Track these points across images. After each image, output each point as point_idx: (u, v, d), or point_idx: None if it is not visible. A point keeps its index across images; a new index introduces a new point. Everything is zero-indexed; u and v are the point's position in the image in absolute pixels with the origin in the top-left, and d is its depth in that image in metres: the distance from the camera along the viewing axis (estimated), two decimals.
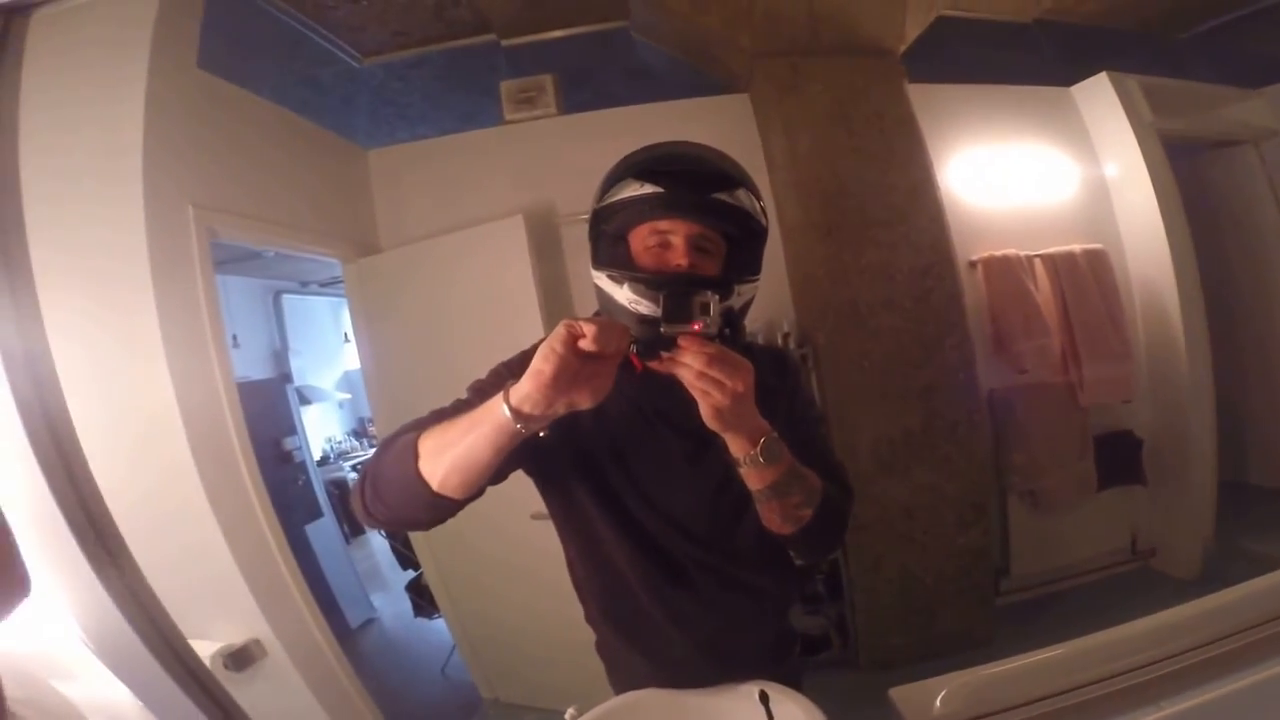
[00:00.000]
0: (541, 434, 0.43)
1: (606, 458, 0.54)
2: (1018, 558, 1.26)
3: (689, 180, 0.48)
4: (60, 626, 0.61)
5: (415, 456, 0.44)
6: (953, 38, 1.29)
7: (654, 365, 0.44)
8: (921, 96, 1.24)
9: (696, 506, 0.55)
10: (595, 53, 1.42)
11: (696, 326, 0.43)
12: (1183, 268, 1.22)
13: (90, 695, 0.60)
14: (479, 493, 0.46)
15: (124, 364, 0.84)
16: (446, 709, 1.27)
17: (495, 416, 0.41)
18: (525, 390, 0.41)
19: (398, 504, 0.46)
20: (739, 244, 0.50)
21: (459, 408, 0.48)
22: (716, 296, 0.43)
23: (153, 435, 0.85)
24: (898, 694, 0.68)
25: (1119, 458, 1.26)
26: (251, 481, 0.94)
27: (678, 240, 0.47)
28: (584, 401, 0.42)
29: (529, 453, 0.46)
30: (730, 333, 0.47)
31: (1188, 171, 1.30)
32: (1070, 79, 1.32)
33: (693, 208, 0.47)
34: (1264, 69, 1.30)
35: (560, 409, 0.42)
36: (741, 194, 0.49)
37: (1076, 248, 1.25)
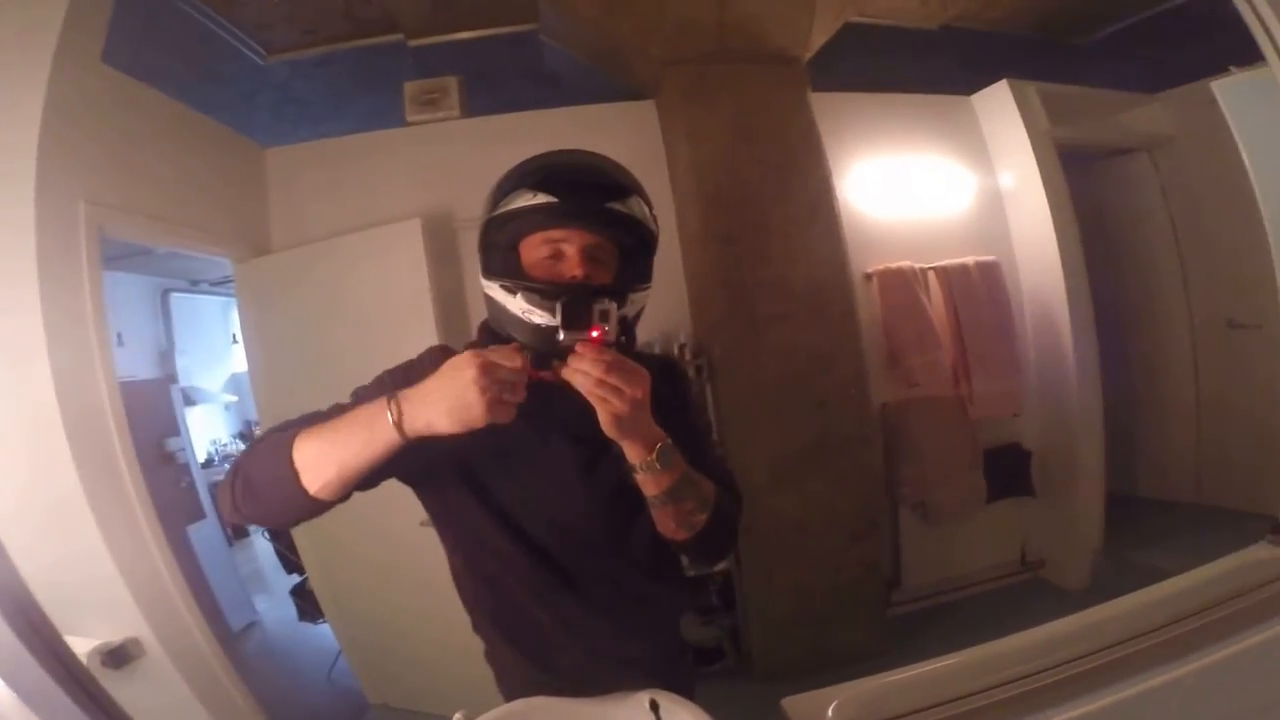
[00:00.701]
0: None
1: (494, 467, 0.52)
2: (909, 569, 1.25)
3: (583, 189, 0.47)
4: None
5: (290, 456, 0.43)
6: (859, 45, 1.27)
7: (549, 376, 0.44)
8: (824, 105, 1.22)
9: (588, 514, 0.54)
10: (503, 56, 1.37)
11: (596, 334, 0.43)
12: (1073, 280, 1.22)
13: None
14: (349, 496, 0.45)
15: (4, 360, 0.81)
16: (333, 714, 1.23)
17: (382, 429, 0.41)
18: (430, 418, 0.40)
19: (268, 501, 0.44)
20: (631, 252, 0.49)
21: (335, 413, 0.46)
22: (614, 304, 0.43)
23: (33, 432, 0.82)
24: (790, 704, 0.67)
25: (1009, 470, 1.26)
26: (132, 481, 0.90)
27: (572, 250, 0.46)
28: (479, 424, 0.41)
29: (405, 462, 0.44)
30: (626, 340, 0.47)
31: (1083, 180, 1.31)
32: (975, 86, 1.31)
33: (587, 217, 0.46)
34: (1163, 73, 1.30)
35: (457, 431, 0.41)
36: (634, 202, 0.48)
37: (970, 260, 1.24)
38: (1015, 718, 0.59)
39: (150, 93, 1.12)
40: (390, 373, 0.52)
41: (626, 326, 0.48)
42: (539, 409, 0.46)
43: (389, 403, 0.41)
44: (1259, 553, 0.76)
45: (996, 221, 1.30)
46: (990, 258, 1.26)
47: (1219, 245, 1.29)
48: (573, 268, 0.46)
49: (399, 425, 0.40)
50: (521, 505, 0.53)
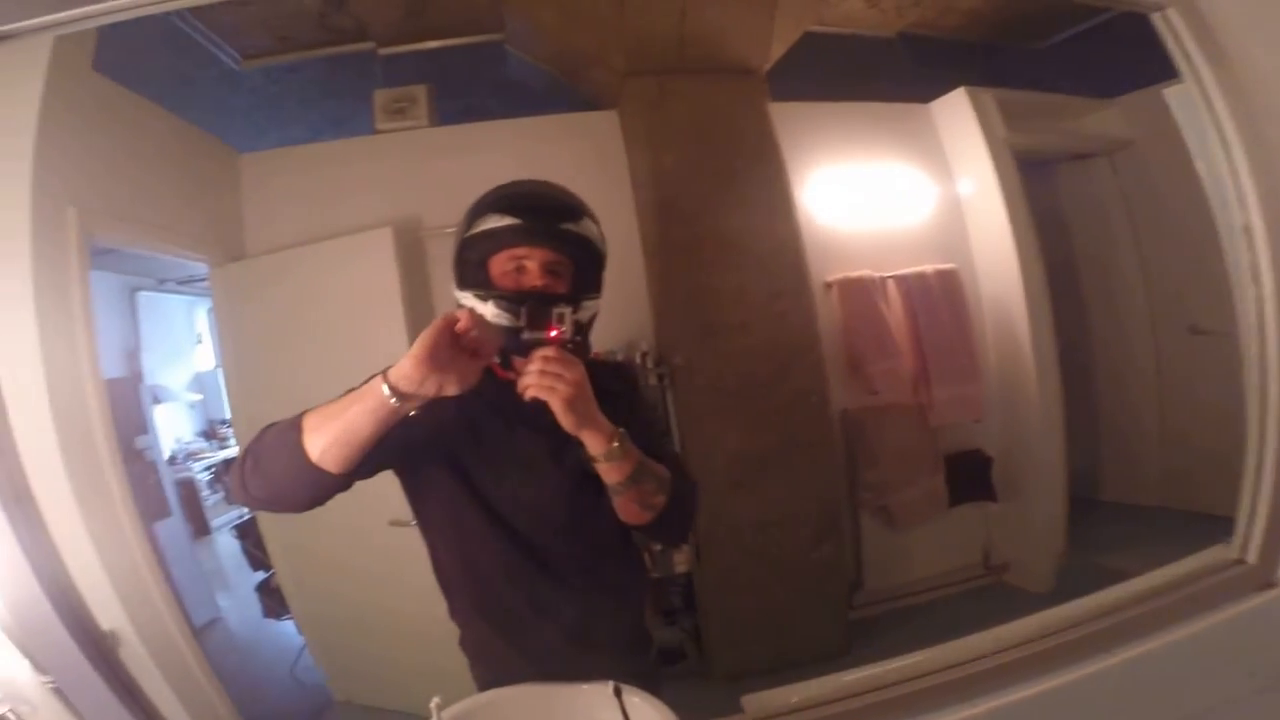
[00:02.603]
0: (412, 413, 0.47)
1: (472, 456, 0.57)
2: (871, 572, 1.22)
3: (542, 213, 0.53)
4: None
5: (299, 431, 0.47)
6: (817, 54, 1.23)
7: (513, 376, 0.50)
8: (783, 115, 1.18)
9: (557, 500, 0.58)
10: (470, 65, 1.33)
11: (554, 333, 0.49)
12: (1032, 286, 1.18)
13: None
14: (351, 478, 0.49)
15: (8, 363, 0.78)
16: (297, 709, 1.20)
17: (374, 392, 0.45)
18: (403, 367, 0.45)
19: (279, 479, 0.48)
20: (583, 266, 0.55)
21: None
22: (569, 309, 0.50)
23: (25, 428, 0.78)
24: (749, 701, 0.66)
25: (970, 475, 1.22)
26: (114, 477, 0.90)
27: (533, 265, 0.53)
28: (451, 387, 0.46)
29: (399, 449, 0.50)
30: (580, 341, 0.53)
31: (1042, 186, 1.26)
32: (932, 94, 1.26)
33: (546, 236, 0.53)
34: (1119, 78, 1.25)
35: (430, 388, 0.45)
36: (585, 224, 0.55)
37: (929, 268, 1.20)
38: (956, 703, 0.60)
39: (137, 99, 1.10)
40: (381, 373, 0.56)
41: (580, 330, 0.53)
42: (510, 406, 0.51)
43: (379, 376, 0.46)
44: (1215, 554, 0.74)
45: (955, 229, 1.26)
46: (949, 265, 1.22)
47: (1181, 250, 1.25)
48: (534, 279, 0.52)
49: (386, 379, 0.45)
50: (495, 489, 0.57)
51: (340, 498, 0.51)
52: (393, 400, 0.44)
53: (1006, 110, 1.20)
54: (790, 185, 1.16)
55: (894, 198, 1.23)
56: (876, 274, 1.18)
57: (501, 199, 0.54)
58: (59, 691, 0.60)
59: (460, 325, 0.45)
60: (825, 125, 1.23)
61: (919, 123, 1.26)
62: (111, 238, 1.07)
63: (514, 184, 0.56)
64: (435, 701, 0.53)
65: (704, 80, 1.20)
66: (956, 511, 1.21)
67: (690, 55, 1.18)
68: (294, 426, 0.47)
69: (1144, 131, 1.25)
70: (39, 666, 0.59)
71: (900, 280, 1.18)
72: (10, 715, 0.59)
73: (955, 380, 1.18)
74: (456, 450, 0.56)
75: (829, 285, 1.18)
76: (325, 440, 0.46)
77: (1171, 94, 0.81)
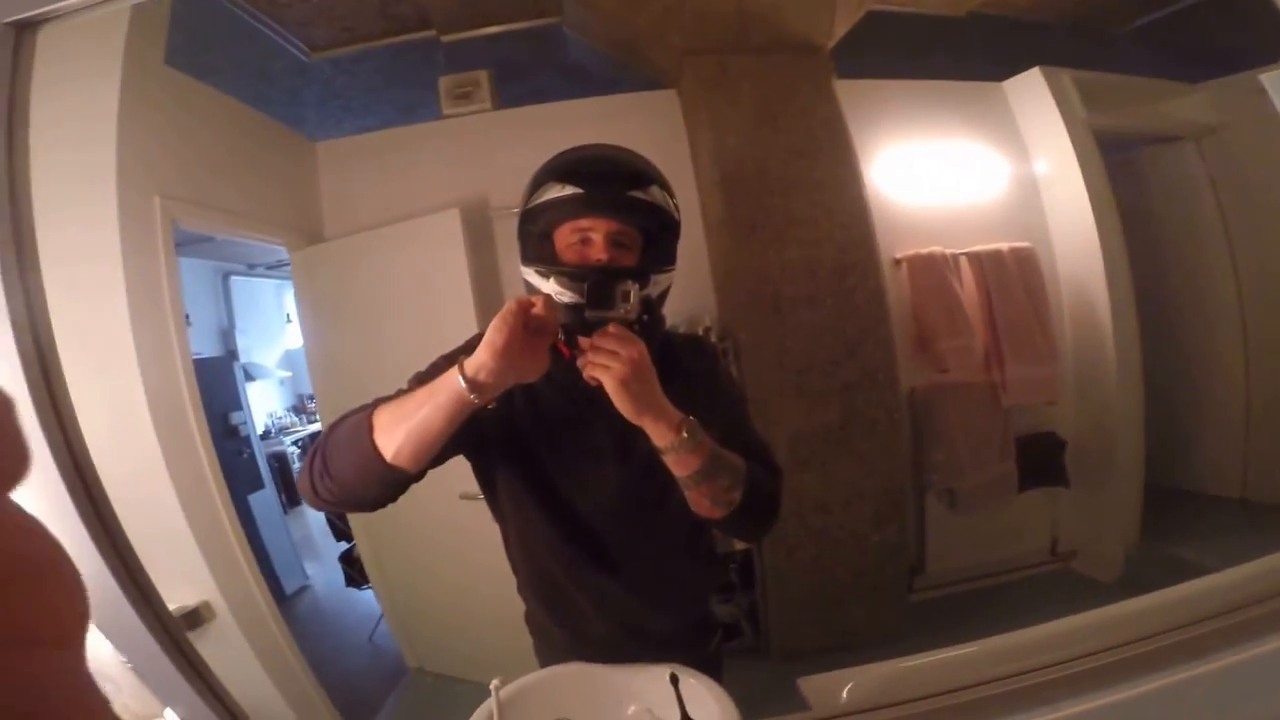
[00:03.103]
0: (490, 406, 0.44)
1: (539, 442, 0.54)
2: (934, 555, 1.18)
3: (606, 180, 0.49)
4: None
5: (370, 429, 0.44)
6: (883, 33, 1.19)
7: (571, 358, 0.46)
8: (849, 92, 1.14)
9: (623, 492, 0.54)
10: (530, 49, 1.34)
11: (619, 311, 0.45)
12: (1114, 267, 1.12)
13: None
14: (423, 471, 0.46)
15: (95, 343, 0.85)
16: (373, 674, 1.25)
17: (451, 387, 0.42)
18: (481, 359, 0.42)
19: (349, 478, 0.45)
20: (654, 237, 0.50)
21: (402, 395, 0.48)
22: (636, 285, 0.45)
23: (119, 407, 0.86)
24: (806, 683, 0.64)
25: (1041, 459, 1.17)
26: (205, 452, 0.95)
27: (597, 237, 0.49)
28: (528, 374, 0.44)
29: (470, 435, 0.47)
30: (649, 318, 0.48)
31: (1123, 168, 1.19)
32: (1003, 74, 1.20)
33: (610, 206, 0.48)
34: (1203, 64, 1.17)
35: (509, 379, 0.43)
36: (654, 190, 0.50)
37: (1004, 246, 1.15)
38: (1027, 709, 0.56)
39: (210, 91, 1.15)
40: (444, 356, 0.53)
41: (650, 306, 0.49)
42: (579, 390, 0.47)
43: (458, 366, 0.43)
44: None
45: (1032, 208, 1.19)
46: (1025, 244, 1.16)
47: (1272, 237, 1.16)
48: (599, 252, 0.48)
49: (462, 371, 0.42)
50: (561, 479, 0.54)
51: None
52: (471, 395, 0.41)
53: (1084, 91, 1.13)
54: (859, 162, 1.13)
55: (966, 176, 1.18)
56: (948, 251, 1.14)
57: (563, 166, 0.49)
58: (136, 670, 0.61)
59: (535, 310, 0.42)
60: (894, 103, 1.19)
61: (992, 102, 1.20)
62: (195, 224, 1.13)
63: (577, 149, 0.51)
64: (495, 683, 0.52)
65: (766, 58, 1.17)
66: (1025, 496, 1.17)
67: (750, 33, 1.15)
68: (364, 425, 0.44)
69: (1233, 117, 1.16)
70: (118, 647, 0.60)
71: (973, 257, 1.14)
72: None
73: (1030, 360, 1.13)
74: (525, 437, 0.53)
75: (898, 262, 1.15)
76: (400, 438, 0.43)
77: (1273, 78, 0.75)
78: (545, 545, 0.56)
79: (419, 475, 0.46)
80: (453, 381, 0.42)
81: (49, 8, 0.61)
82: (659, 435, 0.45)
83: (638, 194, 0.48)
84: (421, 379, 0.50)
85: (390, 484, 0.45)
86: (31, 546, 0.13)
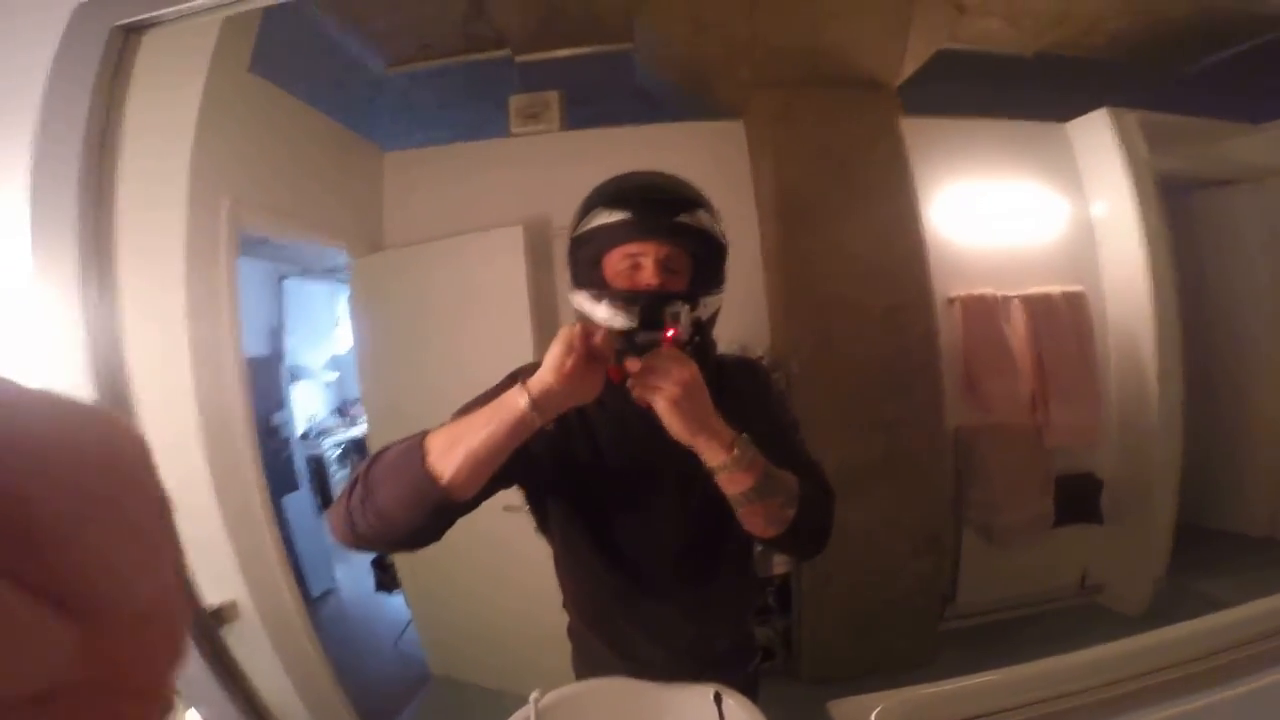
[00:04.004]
0: (547, 428, 0.43)
1: (592, 470, 0.53)
2: (965, 586, 1.19)
3: (654, 206, 0.49)
4: None
5: (424, 454, 0.42)
6: (950, 71, 1.19)
7: (622, 382, 0.45)
8: (912, 129, 1.14)
9: (678, 521, 0.53)
10: (600, 73, 1.35)
11: (670, 333, 0.44)
12: (1164, 312, 1.11)
13: None
14: (475, 503, 0.44)
15: (154, 339, 0.86)
16: (396, 680, 1.26)
17: (513, 406, 0.42)
18: (546, 380, 0.42)
19: (395, 508, 0.42)
20: (702, 261, 0.50)
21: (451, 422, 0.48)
22: (686, 307, 0.46)
23: (170, 402, 0.86)
24: (835, 707, 0.66)
25: (1078, 498, 1.17)
26: (250, 454, 0.97)
27: (648, 261, 0.49)
28: (585, 396, 0.44)
29: (523, 463, 0.45)
30: (700, 340, 0.49)
31: (1182, 211, 1.18)
32: (1068, 114, 1.20)
33: (659, 231, 0.48)
34: (1266, 104, 1.16)
35: (570, 401, 0.43)
36: (702, 215, 0.50)
37: (1055, 290, 1.15)
38: None
39: (289, 100, 1.17)
40: (496, 385, 0.52)
41: (700, 328, 0.49)
42: (631, 413, 0.47)
43: (517, 383, 0.42)
44: None
45: (1085, 251, 1.19)
46: (1077, 288, 1.16)
47: None
48: (649, 277, 0.48)
49: (526, 389, 0.41)
50: (611, 502, 0.54)
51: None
52: (534, 413, 0.40)
53: (1149, 132, 1.12)
54: (918, 200, 1.13)
55: (1023, 217, 1.18)
56: (1000, 293, 1.15)
57: (612, 192, 0.50)
58: None
59: (596, 339, 0.42)
60: (957, 141, 1.19)
61: (1054, 142, 1.19)
62: (260, 227, 1.15)
63: (625, 176, 0.51)
64: (535, 695, 0.52)
65: (833, 94, 1.18)
66: (1059, 530, 1.18)
67: (820, 69, 1.16)
68: (416, 451, 0.42)
69: None
70: None
71: (1025, 300, 1.14)
72: None
73: (1074, 403, 1.13)
74: (578, 464, 0.52)
75: (951, 301, 1.15)
76: (458, 462, 0.40)
77: None
78: (595, 571, 0.55)
79: (470, 507, 0.44)
80: (515, 401, 0.41)
81: (155, 13, 0.63)
82: (711, 454, 0.44)
83: (686, 219, 0.49)
84: (466, 411, 0.47)
85: (441, 514, 0.42)
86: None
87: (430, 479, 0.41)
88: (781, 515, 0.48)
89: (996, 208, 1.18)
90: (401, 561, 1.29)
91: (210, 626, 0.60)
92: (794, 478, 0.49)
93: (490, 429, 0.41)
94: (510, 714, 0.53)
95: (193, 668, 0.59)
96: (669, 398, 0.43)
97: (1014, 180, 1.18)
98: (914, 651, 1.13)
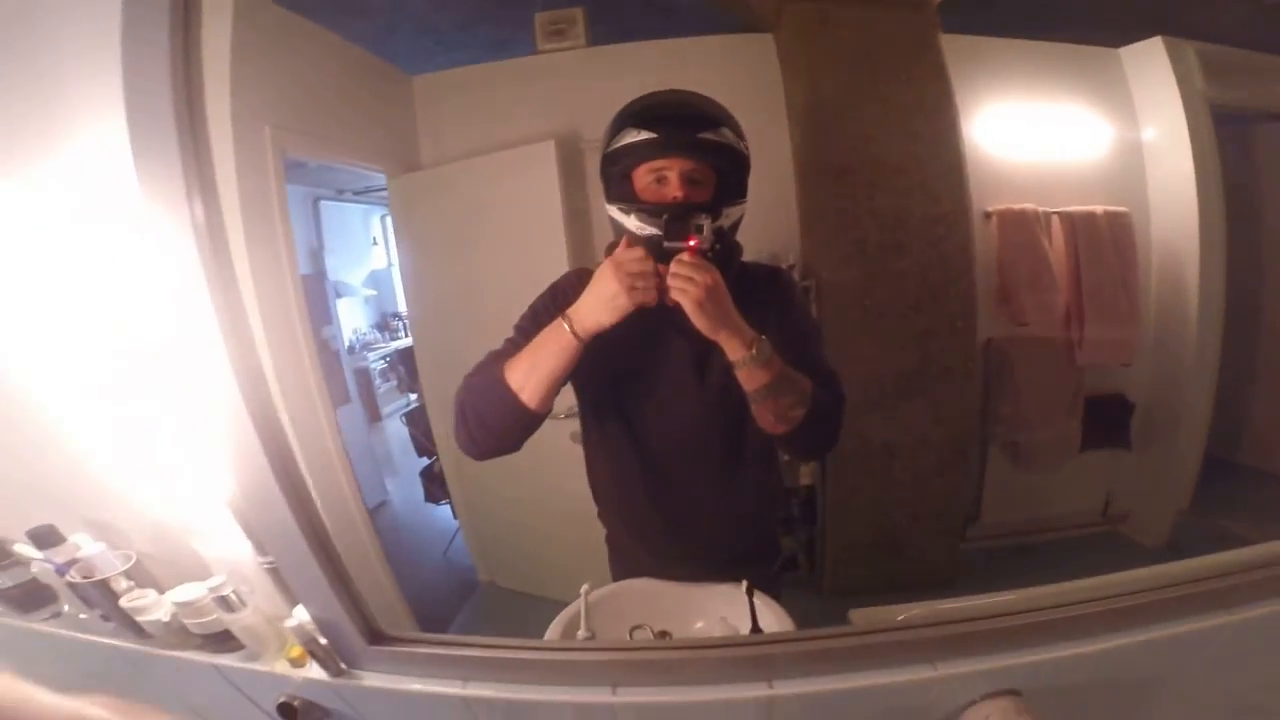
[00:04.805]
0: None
1: (624, 361, 0.58)
2: (989, 506, 1.17)
3: (678, 123, 0.52)
4: (205, 492, 0.66)
5: (506, 384, 0.52)
6: None
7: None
8: (956, 47, 1.08)
9: (699, 407, 0.58)
10: None
11: (693, 242, 0.49)
12: (1209, 240, 1.06)
13: (218, 551, 0.65)
14: (550, 410, 0.54)
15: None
16: (446, 588, 1.30)
17: (568, 344, 0.50)
18: (600, 319, 0.50)
19: (504, 432, 0.54)
20: (725, 174, 0.54)
21: (509, 348, 0.57)
22: (708, 218, 0.50)
23: (234, 322, 0.88)
24: (857, 615, 0.66)
25: (1107, 420, 1.14)
26: (310, 366, 0.98)
27: (672, 175, 0.52)
28: (630, 307, 0.50)
29: (577, 365, 0.53)
30: (722, 247, 0.52)
31: (1241, 142, 1.11)
32: (1120, 41, 1.12)
33: (682, 147, 0.52)
34: None
35: (618, 318, 0.50)
36: (724, 131, 0.54)
37: (1098, 208, 1.10)
38: (1066, 640, 0.58)
39: (314, 27, 1.15)
40: (541, 299, 0.60)
41: (723, 236, 0.53)
42: (666, 313, 0.52)
43: (564, 321, 0.50)
44: None
45: (1133, 174, 1.12)
46: (1121, 208, 1.11)
47: None
48: (674, 190, 0.52)
49: (575, 333, 0.49)
50: (644, 399, 0.58)
51: None
52: (583, 343, 0.50)
53: (1205, 63, 1.05)
54: (958, 115, 1.08)
55: (1069, 137, 1.11)
56: (1041, 208, 1.10)
57: (638, 112, 0.54)
58: (274, 572, 0.64)
59: (620, 277, 0.48)
60: (1001, 61, 1.12)
61: (1105, 67, 1.11)
62: (301, 152, 1.15)
63: (650, 95, 0.55)
64: (585, 587, 0.58)
65: (869, 8, 1.12)
66: (1086, 455, 1.15)
67: None
68: (504, 388, 0.52)
69: None
70: (260, 548, 0.64)
71: (1065, 217, 1.09)
72: (233, 595, 0.64)
73: (1110, 321, 1.09)
74: (612, 357, 0.56)
75: (989, 215, 1.11)
76: (538, 389, 0.51)
77: None
78: (626, 457, 0.60)
79: (549, 413, 0.54)
80: (566, 338, 0.50)
81: None
82: (732, 350, 0.50)
83: (708, 135, 0.52)
84: (524, 328, 0.58)
85: (532, 428, 0.54)
86: None
87: (520, 407, 0.52)
88: (791, 415, 0.52)
89: (1041, 128, 1.12)
90: (450, 471, 1.30)
91: (321, 530, 0.62)
92: (809, 382, 0.53)
93: (552, 363, 0.51)
94: (553, 618, 0.58)
95: (305, 570, 0.61)
96: (694, 299, 0.48)
97: (1060, 101, 1.12)
98: (936, 569, 1.12)
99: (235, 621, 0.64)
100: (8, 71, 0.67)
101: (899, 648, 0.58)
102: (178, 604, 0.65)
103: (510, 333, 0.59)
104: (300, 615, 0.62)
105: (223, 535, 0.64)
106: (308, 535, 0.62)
